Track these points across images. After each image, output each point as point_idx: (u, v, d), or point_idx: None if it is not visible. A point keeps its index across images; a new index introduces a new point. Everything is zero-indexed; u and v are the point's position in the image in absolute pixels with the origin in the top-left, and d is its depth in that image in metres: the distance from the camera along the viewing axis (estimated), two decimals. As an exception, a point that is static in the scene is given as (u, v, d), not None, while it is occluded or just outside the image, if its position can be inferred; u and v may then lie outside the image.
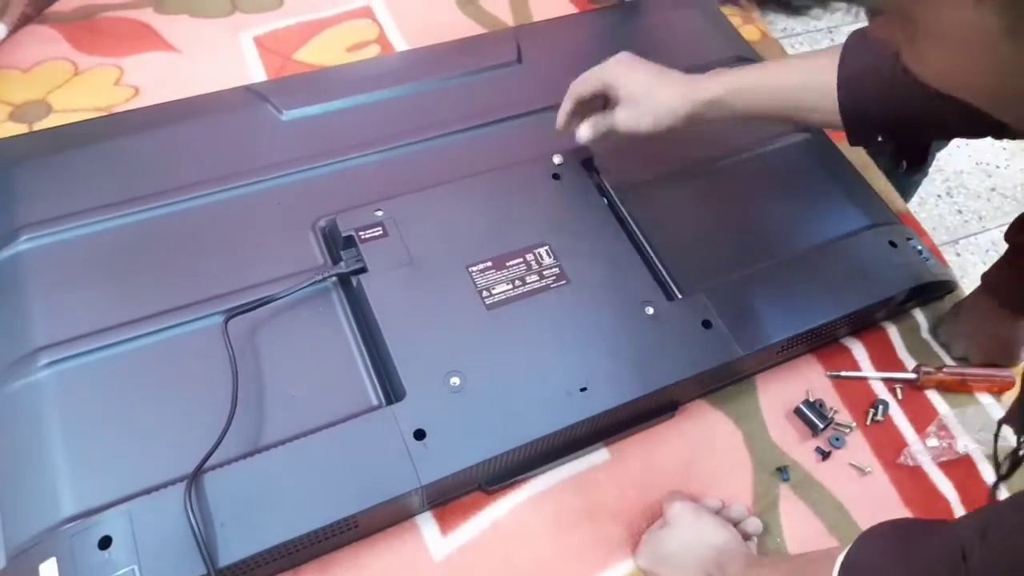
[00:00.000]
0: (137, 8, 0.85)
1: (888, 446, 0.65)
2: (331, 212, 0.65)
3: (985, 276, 0.70)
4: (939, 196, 1.67)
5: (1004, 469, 0.48)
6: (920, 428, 0.66)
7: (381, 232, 0.63)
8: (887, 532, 0.43)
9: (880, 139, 0.59)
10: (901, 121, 0.56)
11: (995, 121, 0.50)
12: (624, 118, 0.61)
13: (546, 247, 0.64)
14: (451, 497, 0.58)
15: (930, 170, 1.30)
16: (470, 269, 0.62)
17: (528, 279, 0.62)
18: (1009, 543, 0.34)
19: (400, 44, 0.87)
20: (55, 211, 0.64)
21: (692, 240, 0.70)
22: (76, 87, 0.78)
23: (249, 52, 0.84)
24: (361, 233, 0.63)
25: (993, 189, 1.68)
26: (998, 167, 1.71)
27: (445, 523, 0.57)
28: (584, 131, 0.64)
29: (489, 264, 0.63)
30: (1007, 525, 0.35)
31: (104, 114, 0.75)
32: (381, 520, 0.55)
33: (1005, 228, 0.66)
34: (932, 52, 0.30)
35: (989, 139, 0.56)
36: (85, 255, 0.62)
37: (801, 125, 0.58)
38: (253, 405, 0.56)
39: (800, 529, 0.61)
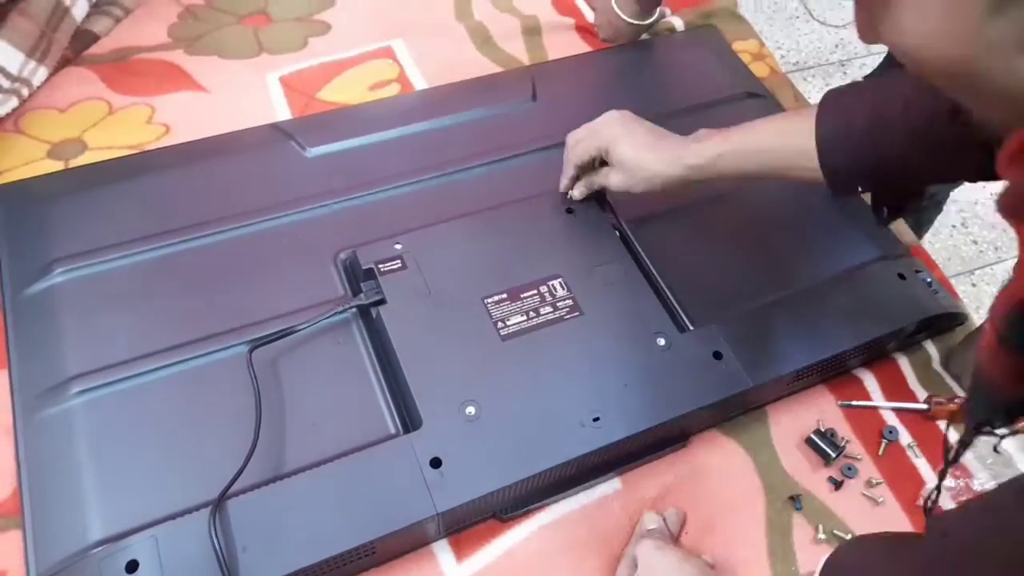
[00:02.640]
0: (169, 50, 0.89)
1: (900, 476, 0.65)
2: (352, 245, 0.67)
3: (992, 310, 0.70)
4: (954, 227, 1.67)
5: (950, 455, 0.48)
6: (931, 458, 0.66)
7: (400, 265, 0.65)
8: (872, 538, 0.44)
9: (861, 189, 0.63)
10: (877, 172, 0.59)
11: (968, 164, 0.51)
12: (617, 181, 0.67)
13: (560, 279, 0.66)
14: (466, 525, 0.59)
15: (945, 201, 1.31)
16: (486, 301, 0.64)
17: (542, 311, 0.64)
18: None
19: (420, 83, 0.90)
20: (88, 245, 0.67)
21: (704, 272, 0.71)
22: (110, 125, 0.81)
23: (275, 91, 0.87)
24: (380, 266, 0.65)
25: (1009, 219, 1.68)
26: (1013, 197, 1.71)
27: (460, 550, 0.58)
28: (578, 192, 0.71)
29: (504, 296, 0.64)
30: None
31: (136, 151, 0.78)
32: (398, 547, 0.57)
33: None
34: (909, 18, 0.29)
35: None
36: (117, 288, 0.65)
37: (786, 183, 0.62)
38: (275, 433, 0.58)
39: (815, 559, 0.61)
